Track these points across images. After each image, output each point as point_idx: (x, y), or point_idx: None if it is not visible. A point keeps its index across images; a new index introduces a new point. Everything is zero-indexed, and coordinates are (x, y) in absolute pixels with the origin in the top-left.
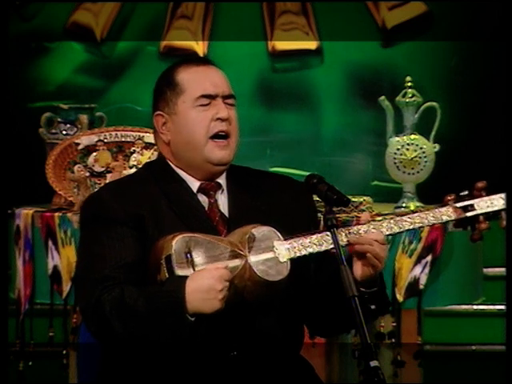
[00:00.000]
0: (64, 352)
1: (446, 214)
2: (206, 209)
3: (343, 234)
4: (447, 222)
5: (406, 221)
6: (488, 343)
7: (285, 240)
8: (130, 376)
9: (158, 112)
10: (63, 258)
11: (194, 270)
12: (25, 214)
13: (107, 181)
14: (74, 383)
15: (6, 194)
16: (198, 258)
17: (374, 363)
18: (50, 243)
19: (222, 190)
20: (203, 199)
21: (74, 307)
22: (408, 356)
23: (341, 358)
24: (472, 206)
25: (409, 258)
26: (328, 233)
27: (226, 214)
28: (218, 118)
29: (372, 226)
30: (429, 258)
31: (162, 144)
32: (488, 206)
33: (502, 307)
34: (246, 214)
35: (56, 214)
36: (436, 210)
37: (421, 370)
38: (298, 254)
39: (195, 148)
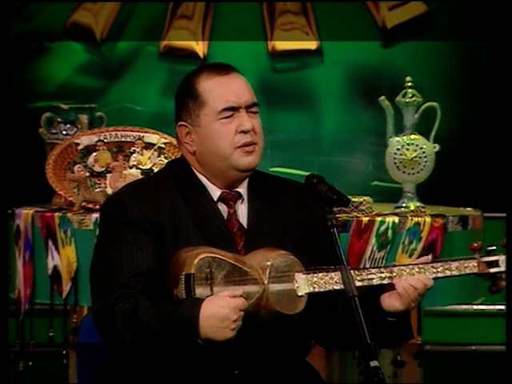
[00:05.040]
0: (64, 352)
1: (470, 266)
2: (225, 219)
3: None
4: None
5: (429, 269)
6: (488, 343)
7: (306, 273)
8: (130, 378)
9: (182, 123)
10: (63, 258)
11: (212, 291)
12: (25, 214)
13: (107, 181)
14: (73, 383)
15: (6, 194)
16: (218, 280)
17: (373, 363)
18: (50, 243)
19: (242, 200)
20: (223, 208)
21: (73, 307)
22: (408, 356)
23: (341, 358)
24: (497, 262)
25: (409, 257)
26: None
27: (245, 224)
28: (242, 131)
29: (396, 270)
30: (429, 257)
31: (186, 153)
32: None
33: (502, 307)
34: (264, 227)
35: (56, 214)
36: (461, 261)
37: (421, 369)
38: (316, 290)
39: (222, 158)
